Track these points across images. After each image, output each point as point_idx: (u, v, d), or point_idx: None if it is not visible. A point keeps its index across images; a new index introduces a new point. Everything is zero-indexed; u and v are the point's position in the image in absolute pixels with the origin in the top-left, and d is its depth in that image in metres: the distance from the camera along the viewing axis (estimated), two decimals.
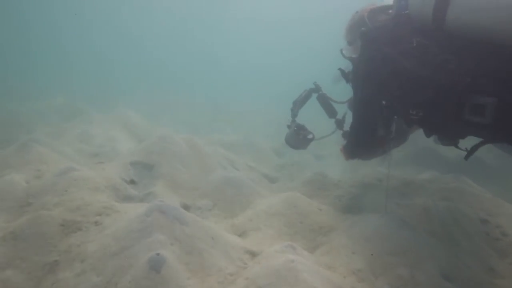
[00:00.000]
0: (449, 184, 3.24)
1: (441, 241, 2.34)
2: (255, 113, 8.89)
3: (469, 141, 2.16)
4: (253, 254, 2.10)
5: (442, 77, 1.90)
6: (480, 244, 2.41)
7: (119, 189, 2.87)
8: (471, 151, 2.08)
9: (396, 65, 2.14)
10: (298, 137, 3.18)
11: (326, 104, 3.24)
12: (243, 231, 2.53)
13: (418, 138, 3.13)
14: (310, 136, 3.21)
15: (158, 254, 1.71)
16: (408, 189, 3.39)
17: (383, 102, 2.45)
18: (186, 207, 2.91)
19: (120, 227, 2.03)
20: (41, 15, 28.61)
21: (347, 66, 2.82)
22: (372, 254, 2.07)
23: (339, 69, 2.86)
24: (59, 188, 2.59)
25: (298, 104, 3.22)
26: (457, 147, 2.26)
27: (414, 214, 2.70)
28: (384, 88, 2.28)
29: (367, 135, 2.59)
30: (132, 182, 3.11)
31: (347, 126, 2.99)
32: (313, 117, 3.60)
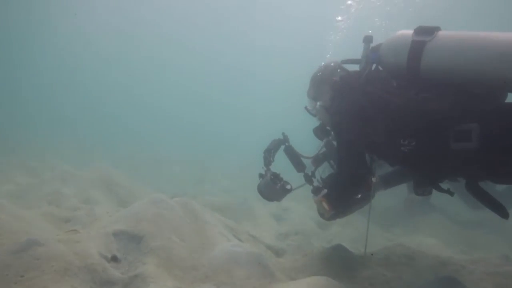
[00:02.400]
0: (499, 267, 2.74)
1: None
2: (243, 170, 8.39)
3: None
4: None
5: (427, 110, 2.06)
6: None
7: (97, 271, 2.16)
8: (449, 192, 2.36)
9: (382, 101, 2.25)
10: (275, 187, 2.95)
11: (294, 157, 3.13)
12: None
13: None
14: (288, 187, 2.99)
15: None
16: (446, 270, 2.86)
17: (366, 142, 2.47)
18: None
19: None
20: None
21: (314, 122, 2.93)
22: None
23: (305, 107, 2.98)
24: (11, 272, 1.88)
25: (272, 151, 3.06)
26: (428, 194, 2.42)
27: None
28: (370, 125, 2.34)
29: (357, 177, 2.55)
30: (114, 259, 2.40)
31: (316, 182, 3.01)
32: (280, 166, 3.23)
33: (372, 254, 3.10)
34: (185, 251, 2.59)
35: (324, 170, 3.28)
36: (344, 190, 2.70)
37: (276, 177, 2.97)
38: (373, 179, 2.55)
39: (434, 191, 2.46)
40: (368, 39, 2.52)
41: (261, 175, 3.06)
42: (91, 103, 25.42)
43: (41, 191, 3.53)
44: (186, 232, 2.78)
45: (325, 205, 2.74)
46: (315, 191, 2.97)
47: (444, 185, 2.43)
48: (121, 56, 30.90)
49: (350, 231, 4.82)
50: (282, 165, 3.21)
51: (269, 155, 3.06)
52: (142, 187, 4.81)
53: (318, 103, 2.85)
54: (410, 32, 2.22)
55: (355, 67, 2.67)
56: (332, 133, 2.91)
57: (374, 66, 2.50)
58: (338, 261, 2.89)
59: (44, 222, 3.08)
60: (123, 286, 2.20)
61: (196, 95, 33.17)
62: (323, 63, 2.91)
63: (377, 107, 2.28)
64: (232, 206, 4.56)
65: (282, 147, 3.16)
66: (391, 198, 5.72)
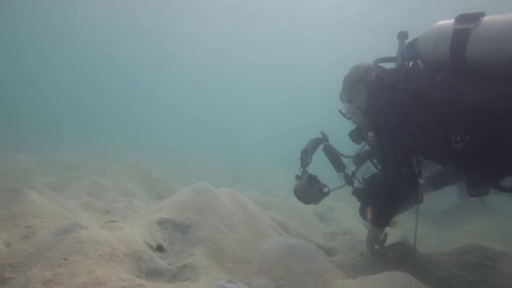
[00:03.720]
0: None
1: None
2: (277, 172, 8.10)
3: None
4: None
5: (481, 102, 1.87)
6: None
7: (143, 259, 1.95)
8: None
9: (426, 96, 2.08)
10: (312, 190, 2.80)
11: (333, 157, 2.99)
12: None
13: None
14: (325, 190, 2.83)
15: None
16: None
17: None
18: None
19: None
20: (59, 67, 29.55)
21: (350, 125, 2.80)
22: None
23: (339, 111, 2.82)
24: (55, 255, 1.69)
25: (310, 152, 2.92)
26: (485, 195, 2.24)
27: None
28: (414, 123, 2.17)
29: (405, 181, 2.32)
30: (159, 248, 2.19)
31: (356, 182, 2.90)
32: (317, 167, 3.09)
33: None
34: (235, 242, 2.33)
35: (366, 170, 3.12)
36: (392, 199, 2.48)
37: (313, 180, 2.82)
38: (420, 181, 2.36)
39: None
40: (403, 35, 2.40)
41: (297, 177, 2.92)
42: (121, 105, 26.29)
43: (80, 183, 3.41)
44: (234, 222, 2.53)
45: (369, 214, 2.66)
46: (356, 192, 2.91)
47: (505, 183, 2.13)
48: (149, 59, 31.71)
49: (401, 232, 4.40)
50: (320, 165, 3.08)
51: (306, 156, 2.90)
52: (178, 183, 4.64)
53: (353, 105, 2.71)
54: (450, 21, 2.08)
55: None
56: (371, 135, 2.77)
57: (411, 63, 2.36)
58: (403, 260, 2.53)
59: (84, 212, 2.93)
60: (171, 277, 1.97)
61: (229, 97, 33.52)
62: (354, 64, 2.76)
63: (421, 104, 2.12)
64: (273, 203, 4.28)
65: (321, 146, 3.02)
66: (444, 199, 5.27)
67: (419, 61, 2.40)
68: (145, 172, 4.17)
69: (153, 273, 1.95)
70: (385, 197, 2.50)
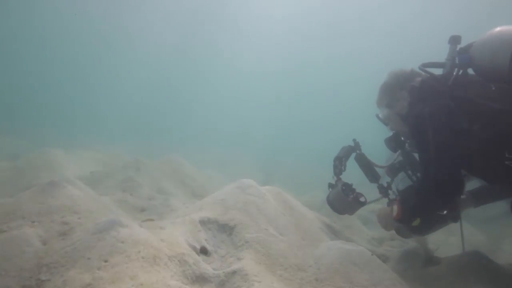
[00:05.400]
0: None
1: None
2: (309, 170, 7.80)
3: None
4: None
5: None
6: None
7: (188, 263, 1.73)
8: None
9: (478, 107, 1.95)
10: (347, 199, 2.60)
11: (366, 166, 2.81)
12: None
13: None
14: (362, 199, 2.64)
15: None
16: None
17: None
18: None
19: None
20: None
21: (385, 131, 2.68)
22: None
23: (377, 115, 2.69)
24: (94, 255, 1.50)
25: (344, 159, 2.75)
26: None
27: None
28: (461, 135, 2.01)
29: (447, 185, 2.09)
30: (204, 251, 1.97)
31: (392, 194, 2.71)
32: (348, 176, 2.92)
33: None
34: (285, 246, 2.08)
35: (400, 182, 2.88)
36: (426, 198, 2.20)
37: (348, 188, 2.64)
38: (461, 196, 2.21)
39: None
40: (455, 39, 2.19)
41: (331, 185, 2.74)
42: (152, 105, 26.88)
43: (114, 179, 3.29)
44: (282, 224, 2.28)
45: (395, 208, 2.37)
46: (391, 204, 2.61)
47: None
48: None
49: (455, 239, 4.00)
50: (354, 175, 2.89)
51: (340, 163, 2.73)
52: (214, 182, 4.45)
53: (392, 111, 2.53)
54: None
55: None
56: (408, 143, 2.59)
57: (461, 71, 2.13)
58: (482, 273, 2.18)
59: (119, 209, 2.77)
60: (218, 284, 1.74)
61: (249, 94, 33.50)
62: (393, 70, 2.61)
63: (473, 115, 1.97)
64: (313, 204, 3.99)
65: (353, 155, 2.85)
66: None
67: (469, 71, 2.15)
68: (179, 169, 4.01)
69: (199, 280, 1.73)
70: (418, 198, 2.24)
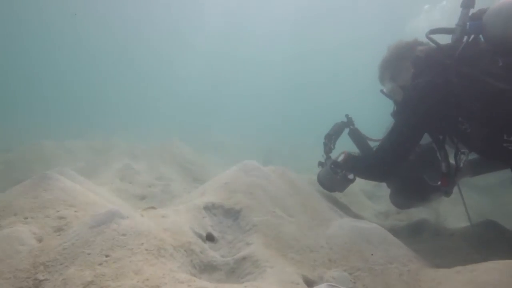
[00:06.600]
0: None
1: None
2: (308, 149, 7.72)
3: None
4: None
5: None
6: None
7: (195, 252, 1.64)
8: None
9: (482, 85, 1.87)
10: (336, 177, 2.65)
11: (360, 141, 2.85)
12: None
13: None
14: (351, 177, 2.67)
15: None
16: None
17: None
18: (309, 284, 1.62)
19: None
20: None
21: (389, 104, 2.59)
22: None
23: (381, 91, 2.63)
24: (95, 250, 1.39)
25: (333, 137, 2.79)
26: None
27: None
28: (462, 113, 1.99)
29: (398, 162, 2.30)
30: (210, 238, 1.88)
31: None
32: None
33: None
34: (295, 228, 1.99)
35: None
36: (410, 190, 2.50)
37: (337, 166, 2.66)
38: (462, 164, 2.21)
39: None
40: (468, 3, 2.05)
41: (320, 164, 2.78)
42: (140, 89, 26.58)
43: (111, 167, 3.17)
44: (290, 205, 2.18)
45: (341, 156, 2.60)
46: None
47: None
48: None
49: (461, 209, 3.97)
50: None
51: (329, 141, 2.77)
52: (213, 165, 4.34)
53: (396, 84, 2.47)
54: None
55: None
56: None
57: (471, 38, 2.03)
58: (499, 242, 2.12)
59: (119, 199, 2.67)
60: (228, 271, 1.66)
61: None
62: (392, 43, 2.56)
63: (475, 93, 1.90)
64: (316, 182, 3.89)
65: (346, 130, 2.89)
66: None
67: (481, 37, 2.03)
68: (177, 153, 3.89)
69: (207, 268, 1.64)
70: (363, 162, 2.50)
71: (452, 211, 3.96)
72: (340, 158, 2.61)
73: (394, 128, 2.29)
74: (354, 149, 3.03)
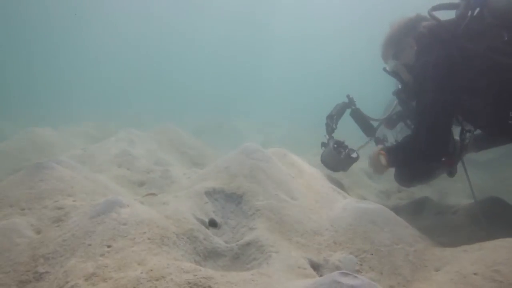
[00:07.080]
0: None
1: None
2: (305, 130, 7.68)
3: None
4: None
5: None
6: None
7: (198, 239, 1.60)
8: None
9: (486, 61, 1.83)
10: (339, 156, 2.62)
11: (362, 121, 2.85)
12: None
13: None
14: (354, 155, 2.66)
15: None
16: None
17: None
18: (315, 267, 1.61)
19: None
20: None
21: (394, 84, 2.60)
22: None
23: (384, 69, 2.56)
24: (96, 241, 1.35)
25: (335, 117, 2.76)
26: None
27: None
28: (466, 90, 1.94)
29: (438, 148, 2.10)
30: (213, 224, 1.84)
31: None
32: (341, 133, 2.92)
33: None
34: (299, 210, 1.96)
35: (399, 132, 2.97)
36: (417, 156, 2.24)
37: (340, 145, 2.65)
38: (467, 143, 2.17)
39: None
40: None
41: (323, 144, 2.76)
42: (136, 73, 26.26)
43: (109, 153, 3.10)
44: (293, 187, 2.15)
45: (382, 158, 2.42)
46: (378, 143, 2.81)
47: None
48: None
49: (461, 186, 3.97)
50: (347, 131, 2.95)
51: (331, 121, 2.74)
52: (212, 149, 4.29)
53: (400, 62, 2.39)
54: None
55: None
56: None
57: (475, 12, 1.97)
58: (503, 219, 2.11)
59: (117, 186, 2.62)
60: (233, 257, 1.63)
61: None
62: (394, 20, 2.47)
63: (479, 70, 1.86)
64: (318, 163, 3.87)
65: (348, 111, 2.85)
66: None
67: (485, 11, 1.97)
68: (175, 137, 3.82)
69: (211, 255, 1.62)
70: (405, 153, 2.31)
71: (453, 187, 3.96)
72: (383, 161, 2.43)
73: (423, 112, 2.12)
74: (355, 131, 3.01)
